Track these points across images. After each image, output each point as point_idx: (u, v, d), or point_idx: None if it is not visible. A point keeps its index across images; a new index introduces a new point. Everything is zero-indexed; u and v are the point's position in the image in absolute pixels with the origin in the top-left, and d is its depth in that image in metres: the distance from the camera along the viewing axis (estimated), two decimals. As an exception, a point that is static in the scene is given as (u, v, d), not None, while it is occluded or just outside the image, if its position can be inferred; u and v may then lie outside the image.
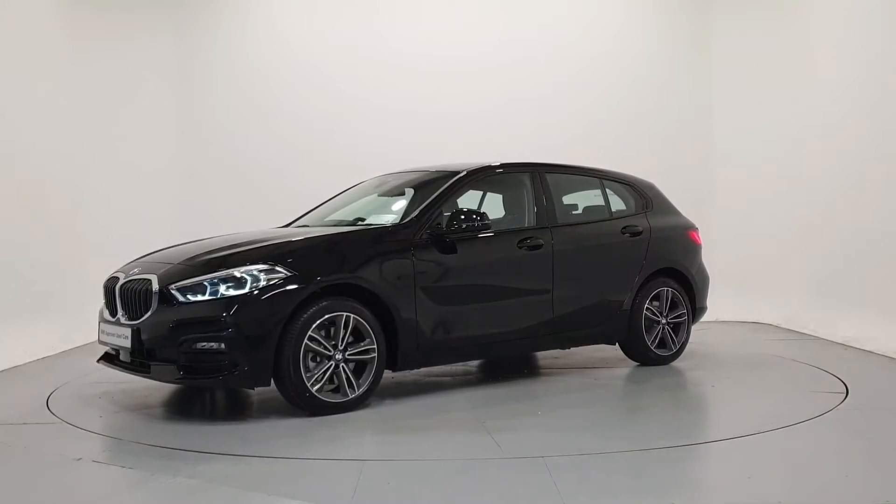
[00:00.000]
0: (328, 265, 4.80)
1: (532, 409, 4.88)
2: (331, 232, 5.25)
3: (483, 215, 5.34)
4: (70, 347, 7.53)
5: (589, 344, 6.20)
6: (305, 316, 4.56)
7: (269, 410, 4.90)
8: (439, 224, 5.27)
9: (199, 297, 4.53)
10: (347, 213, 6.02)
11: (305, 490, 3.42)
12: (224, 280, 4.55)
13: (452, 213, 5.29)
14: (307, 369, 4.57)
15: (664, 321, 6.26)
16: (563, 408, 4.99)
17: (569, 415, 4.80)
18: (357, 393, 4.74)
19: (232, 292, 4.51)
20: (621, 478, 3.55)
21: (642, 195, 6.55)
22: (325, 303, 4.64)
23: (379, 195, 6.18)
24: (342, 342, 4.67)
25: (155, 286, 4.65)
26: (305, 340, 4.53)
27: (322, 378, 4.62)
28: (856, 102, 7.54)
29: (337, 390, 4.72)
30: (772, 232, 8.92)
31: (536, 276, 5.66)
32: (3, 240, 6.90)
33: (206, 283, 4.55)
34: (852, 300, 7.50)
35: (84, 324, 7.84)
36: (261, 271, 4.57)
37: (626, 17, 9.66)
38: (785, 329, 8.26)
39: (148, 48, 9.30)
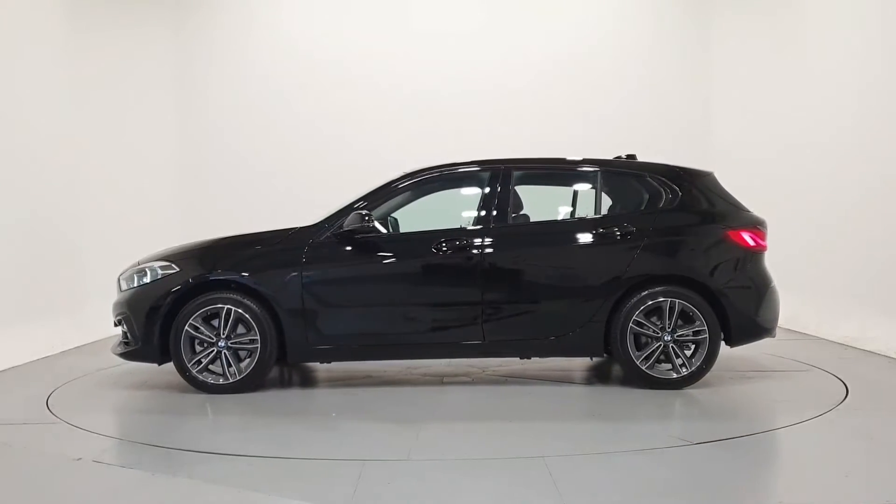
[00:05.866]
0: (206, 264, 5.40)
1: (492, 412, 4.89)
2: (242, 234, 5.64)
3: (369, 216, 5.34)
4: (70, 347, 7.53)
5: (544, 356, 5.72)
6: (189, 307, 5.26)
7: (269, 411, 4.91)
8: (341, 226, 5.37)
9: (127, 286, 5.48)
10: None
11: (305, 490, 3.43)
12: (141, 273, 5.44)
13: (352, 216, 5.32)
14: (194, 352, 5.31)
15: (667, 338, 5.35)
16: (563, 409, 5.00)
17: (568, 416, 4.81)
18: (237, 378, 5.30)
19: (142, 283, 5.38)
20: (621, 478, 3.55)
21: (671, 189, 5.65)
22: (209, 296, 5.28)
23: None
24: (224, 331, 5.27)
25: (116, 276, 5.69)
26: (186, 328, 5.25)
27: (206, 361, 5.31)
28: (853, 101, 7.54)
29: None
30: (771, 232, 8.88)
31: (458, 280, 5.38)
32: (3, 240, 6.90)
33: (134, 275, 5.46)
34: (852, 300, 7.50)
35: (84, 324, 7.85)
36: (161, 267, 5.40)
37: (626, 16, 9.66)
38: (785, 329, 8.24)
39: (148, 47, 9.30)
